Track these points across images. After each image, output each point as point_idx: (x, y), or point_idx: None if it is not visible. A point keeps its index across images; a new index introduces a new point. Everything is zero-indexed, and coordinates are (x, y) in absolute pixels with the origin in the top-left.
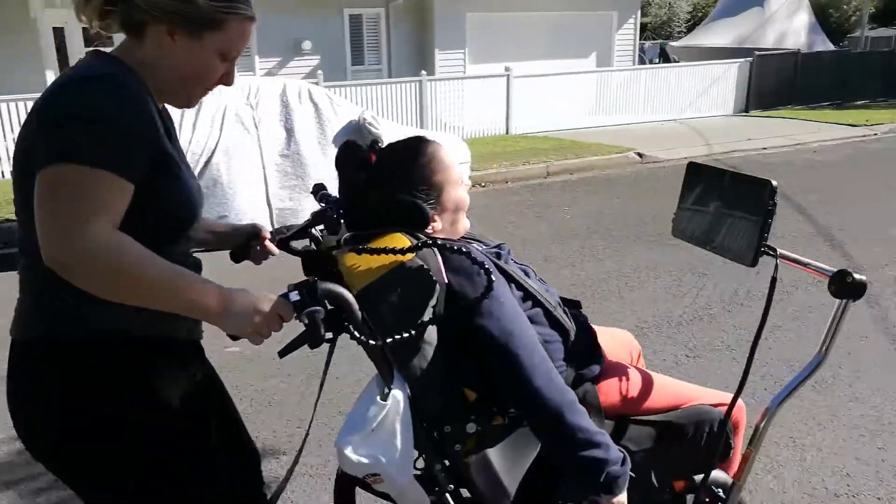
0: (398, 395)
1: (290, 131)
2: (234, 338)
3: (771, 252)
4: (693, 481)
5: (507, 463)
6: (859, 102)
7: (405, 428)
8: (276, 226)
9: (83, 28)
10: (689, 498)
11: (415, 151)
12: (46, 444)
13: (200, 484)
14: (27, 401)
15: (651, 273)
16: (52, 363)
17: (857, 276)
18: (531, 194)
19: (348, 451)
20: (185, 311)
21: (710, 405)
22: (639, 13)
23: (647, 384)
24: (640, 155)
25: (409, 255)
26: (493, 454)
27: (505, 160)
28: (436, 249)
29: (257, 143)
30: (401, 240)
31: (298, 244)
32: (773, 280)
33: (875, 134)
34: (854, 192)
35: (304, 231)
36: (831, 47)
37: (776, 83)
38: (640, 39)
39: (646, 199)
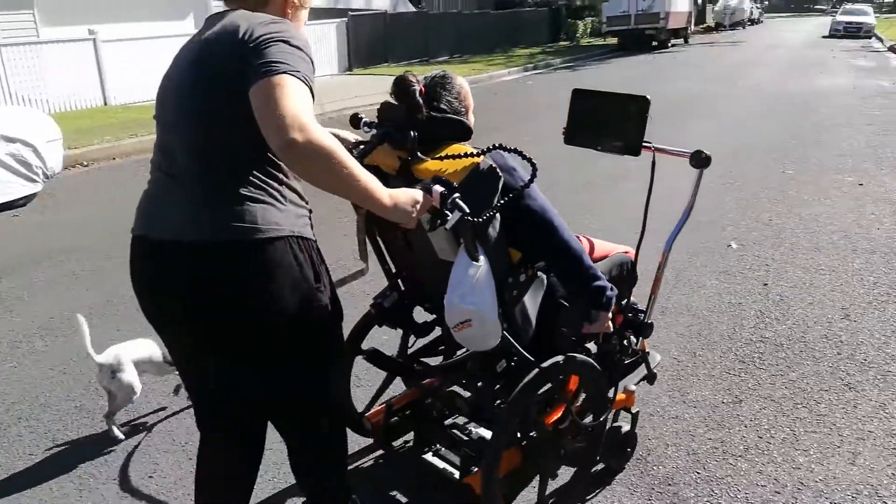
0: (483, 258)
1: None
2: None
3: (648, 144)
4: (620, 305)
5: (531, 303)
6: (441, 58)
7: (491, 281)
8: None
9: None
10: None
11: (451, 83)
12: (254, 304)
13: (335, 340)
14: (247, 283)
15: None
16: (256, 256)
17: (706, 152)
18: (147, 170)
19: (459, 302)
20: (362, 200)
21: (623, 253)
22: None
23: (590, 245)
24: None
25: (481, 158)
26: (526, 298)
27: (108, 134)
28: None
29: None
30: (464, 148)
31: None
32: (653, 163)
33: None
34: None
35: (369, 151)
36: (412, 9)
37: (371, 42)
38: None
39: None
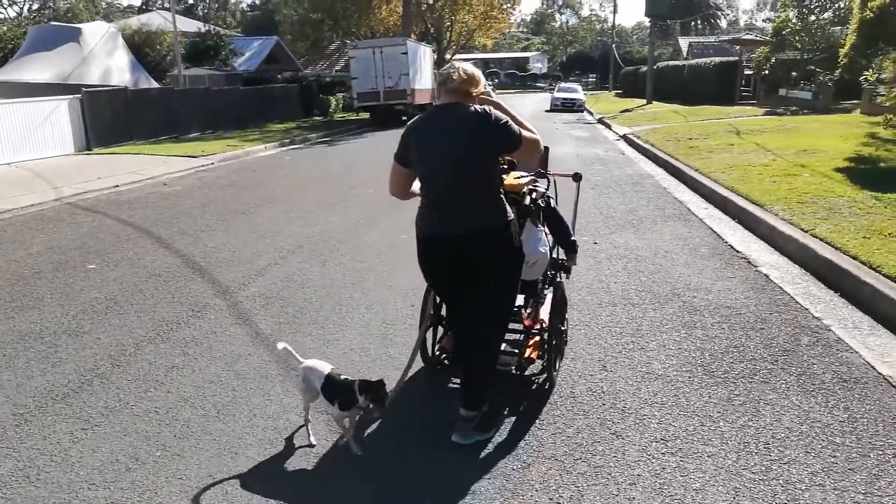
0: (542, 226)
1: None
2: None
3: (547, 172)
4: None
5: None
6: (192, 135)
7: (546, 240)
8: None
9: None
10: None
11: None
12: (507, 252)
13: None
14: (505, 245)
15: (20, 344)
16: (507, 232)
17: (580, 172)
18: None
19: (542, 248)
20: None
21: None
22: None
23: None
24: None
25: (532, 177)
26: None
27: None
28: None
29: None
30: (518, 173)
31: None
32: (555, 182)
33: (212, 163)
34: (206, 219)
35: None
36: (155, 84)
37: (112, 119)
38: None
39: None
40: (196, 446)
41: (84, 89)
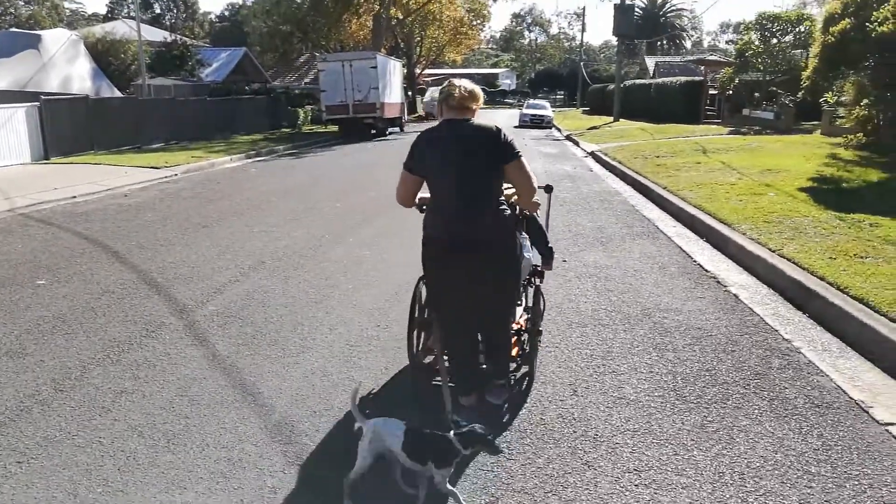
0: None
1: None
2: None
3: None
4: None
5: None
6: (156, 145)
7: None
8: None
9: None
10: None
11: None
12: (510, 253)
13: None
14: (508, 244)
15: None
16: (512, 236)
17: (549, 184)
18: None
19: (526, 254)
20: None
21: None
22: None
23: None
24: None
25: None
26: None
27: None
28: None
29: None
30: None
31: None
32: (548, 197)
33: (175, 175)
34: (166, 233)
35: None
36: (119, 93)
37: (72, 128)
38: None
39: None
40: (142, 480)
41: (42, 97)
